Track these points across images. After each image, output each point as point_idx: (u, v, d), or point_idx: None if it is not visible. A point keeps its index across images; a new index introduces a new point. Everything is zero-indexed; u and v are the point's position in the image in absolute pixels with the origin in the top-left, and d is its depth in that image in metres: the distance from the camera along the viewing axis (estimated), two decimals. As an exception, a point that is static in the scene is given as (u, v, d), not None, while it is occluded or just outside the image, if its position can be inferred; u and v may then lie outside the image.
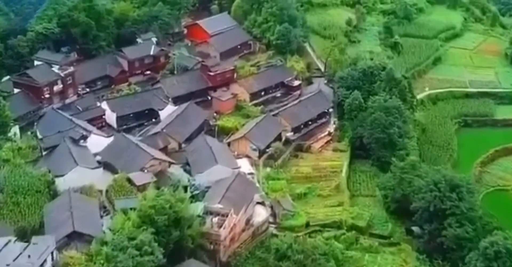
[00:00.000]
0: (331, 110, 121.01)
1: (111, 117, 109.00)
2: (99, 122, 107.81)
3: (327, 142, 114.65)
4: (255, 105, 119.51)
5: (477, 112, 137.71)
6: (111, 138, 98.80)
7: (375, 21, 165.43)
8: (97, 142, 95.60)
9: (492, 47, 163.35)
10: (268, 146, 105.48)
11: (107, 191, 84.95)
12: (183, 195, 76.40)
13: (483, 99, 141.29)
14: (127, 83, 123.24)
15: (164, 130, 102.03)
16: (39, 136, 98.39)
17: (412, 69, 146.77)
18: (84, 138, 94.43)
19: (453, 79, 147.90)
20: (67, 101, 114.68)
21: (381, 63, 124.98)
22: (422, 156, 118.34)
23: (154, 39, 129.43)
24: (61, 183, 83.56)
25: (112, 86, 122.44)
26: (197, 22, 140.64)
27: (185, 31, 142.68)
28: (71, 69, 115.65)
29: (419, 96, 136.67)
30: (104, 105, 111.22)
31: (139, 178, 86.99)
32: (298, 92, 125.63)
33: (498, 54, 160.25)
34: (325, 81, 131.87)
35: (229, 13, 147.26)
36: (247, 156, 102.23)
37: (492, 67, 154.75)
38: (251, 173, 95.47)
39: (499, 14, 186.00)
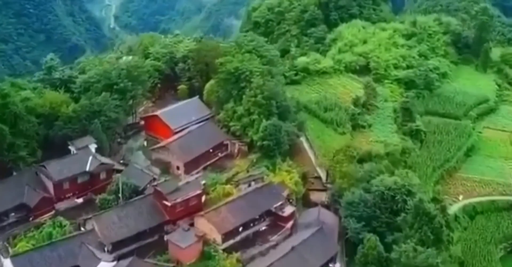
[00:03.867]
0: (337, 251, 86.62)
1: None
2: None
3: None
4: (230, 248, 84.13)
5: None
6: None
7: (388, 94, 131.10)
8: None
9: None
10: None
11: None
12: None
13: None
14: (52, 213, 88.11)
15: None
16: None
17: (441, 168, 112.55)
18: None
19: (493, 180, 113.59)
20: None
21: (406, 185, 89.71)
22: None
23: (93, 146, 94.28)
24: None
25: (31, 219, 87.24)
26: (156, 113, 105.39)
27: (142, 122, 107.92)
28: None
29: (452, 210, 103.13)
30: (8, 264, 75.96)
31: None
32: (291, 223, 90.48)
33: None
34: (327, 199, 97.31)
35: (200, 96, 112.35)
36: None
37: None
38: None
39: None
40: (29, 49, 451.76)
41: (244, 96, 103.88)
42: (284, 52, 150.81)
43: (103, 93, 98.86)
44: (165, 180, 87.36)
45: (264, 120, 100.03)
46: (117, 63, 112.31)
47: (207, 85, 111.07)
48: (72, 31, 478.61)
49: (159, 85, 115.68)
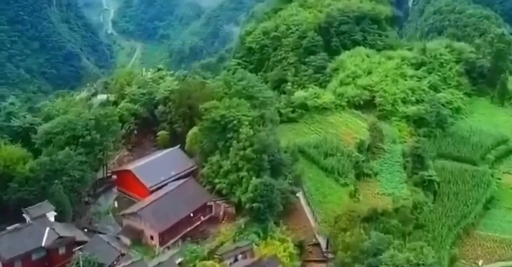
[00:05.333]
0: None
1: None
2: None
3: None
4: None
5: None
6: None
7: (396, 134, 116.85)
8: None
9: None
10: None
11: None
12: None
13: None
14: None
15: None
16: None
17: (457, 226, 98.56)
18: None
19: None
20: None
21: (421, 264, 75.53)
22: None
23: (51, 214, 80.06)
24: None
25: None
26: (130, 168, 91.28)
27: (114, 176, 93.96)
28: None
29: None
30: None
31: None
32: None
33: None
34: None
35: (183, 144, 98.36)
36: None
37: None
38: None
39: None
40: (22, 57, 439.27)
41: (231, 149, 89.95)
42: (281, 82, 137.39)
43: (66, 149, 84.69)
44: (132, 262, 73.25)
45: (254, 178, 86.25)
46: (86, 106, 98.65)
47: (190, 133, 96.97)
48: (67, 38, 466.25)
49: (135, 132, 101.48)
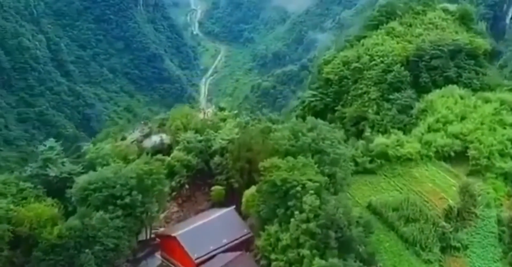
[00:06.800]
0: None
1: None
2: None
3: None
4: None
5: None
6: None
7: (492, 196, 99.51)
8: None
9: None
10: None
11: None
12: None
13: None
14: None
15: None
16: None
17: None
18: None
19: None
20: None
21: None
22: None
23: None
24: None
25: None
26: (174, 235, 79.06)
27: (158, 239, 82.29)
28: None
29: None
30: None
31: None
32: None
33: None
34: None
35: (237, 205, 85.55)
36: None
37: None
38: None
39: None
40: (106, 57, 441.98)
41: (292, 220, 76.32)
42: (360, 119, 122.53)
43: (100, 212, 73.48)
44: None
45: (317, 258, 72.41)
46: (135, 151, 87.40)
47: (248, 193, 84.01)
48: (152, 39, 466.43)
49: (187, 186, 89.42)
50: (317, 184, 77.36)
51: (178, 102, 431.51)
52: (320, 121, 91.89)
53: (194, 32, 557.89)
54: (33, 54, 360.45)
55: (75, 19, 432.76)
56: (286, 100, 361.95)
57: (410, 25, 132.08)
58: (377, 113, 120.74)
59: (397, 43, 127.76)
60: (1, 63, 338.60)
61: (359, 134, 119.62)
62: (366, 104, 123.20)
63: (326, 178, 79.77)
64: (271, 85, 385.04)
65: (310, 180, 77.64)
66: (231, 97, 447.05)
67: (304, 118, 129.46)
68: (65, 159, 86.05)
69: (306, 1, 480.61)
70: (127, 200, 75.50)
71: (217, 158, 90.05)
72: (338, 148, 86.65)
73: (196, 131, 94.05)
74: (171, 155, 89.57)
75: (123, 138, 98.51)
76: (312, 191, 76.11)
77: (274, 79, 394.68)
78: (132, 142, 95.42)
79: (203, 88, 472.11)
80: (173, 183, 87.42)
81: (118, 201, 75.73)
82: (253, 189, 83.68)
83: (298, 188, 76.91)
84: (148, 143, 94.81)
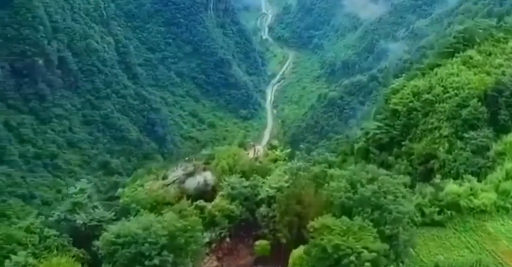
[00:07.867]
0: None
1: None
2: None
3: None
4: None
5: None
6: None
7: None
8: None
9: None
10: None
11: None
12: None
13: None
14: None
15: None
16: None
17: None
18: None
19: None
20: None
21: None
22: None
23: None
24: None
25: None
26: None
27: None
28: None
29: None
30: None
31: None
32: None
33: None
34: None
35: (286, 260, 75.77)
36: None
37: None
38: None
39: None
40: (175, 60, 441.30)
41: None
42: (429, 157, 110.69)
43: (125, 276, 65.15)
44: None
45: None
46: (177, 192, 78.91)
47: (295, 253, 73.97)
48: (220, 45, 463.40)
49: (228, 239, 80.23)
50: (374, 254, 66.57)
51: (244, 108, 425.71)
52: (382, 171, 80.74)
53: (264, 37, 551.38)
54: (101, 57, 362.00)
55: (145, 22, 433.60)
56: (353, 111, 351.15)
57: (490, 54, 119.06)
58: (449, 152, 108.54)
59: (474, 74, 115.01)
60: (68, 65, 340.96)
61: (427, 173, 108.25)
62: (437, 141, 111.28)
63: (385, 244, 68.88)
64: (339, 95, 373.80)
65: (366, 248, 67.01)
66: (296, 105, 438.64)
67: (367, 151, 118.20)
68: (96, 203, 78.23)
69: (379, 8, 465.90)
70: (156, 261, 66.85)
71: (263, 208, 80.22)
72: (402, 205, 75.35)
73: (243, 175, 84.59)
74: (212, 202, 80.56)
75: (165, 177, 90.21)
76: (368, 264, 65.46)
77: (341, 89, 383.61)
78: (174, 181, 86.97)
79: (269, 95, 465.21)
80: (213, 235, 78.48)
81: (146, 262, 67.16)
82: (301, 249, 73.61)
83: (352, 258, 66.42)
84: (191, 183, 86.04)
